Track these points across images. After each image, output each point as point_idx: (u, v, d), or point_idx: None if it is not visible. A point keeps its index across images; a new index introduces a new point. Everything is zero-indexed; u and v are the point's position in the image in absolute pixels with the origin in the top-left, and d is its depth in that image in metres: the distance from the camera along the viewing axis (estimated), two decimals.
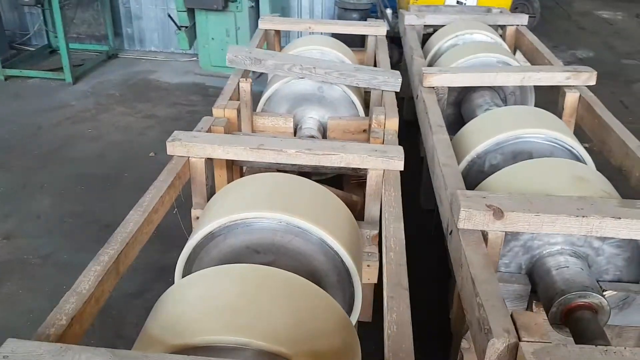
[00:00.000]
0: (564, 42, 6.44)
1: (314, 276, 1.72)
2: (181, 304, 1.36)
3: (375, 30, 3.68)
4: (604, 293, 1.76)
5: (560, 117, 2.75)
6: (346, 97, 2.91)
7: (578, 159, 2.29)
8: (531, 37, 3.74)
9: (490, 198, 1.70)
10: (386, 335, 1.28)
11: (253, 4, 4.96)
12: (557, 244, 1.85)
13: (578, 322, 1.63)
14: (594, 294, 1.67)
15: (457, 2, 5.41)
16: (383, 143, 2.22)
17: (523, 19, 3.97)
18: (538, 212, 1.65)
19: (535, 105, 2.98)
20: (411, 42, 3.61)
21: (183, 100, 4.72)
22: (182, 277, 1.77)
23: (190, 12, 5.04)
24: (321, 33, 3.86)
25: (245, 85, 2.80)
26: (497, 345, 1.28)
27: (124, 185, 3.45)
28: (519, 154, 2.29)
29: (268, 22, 3.73)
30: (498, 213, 1.65)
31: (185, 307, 1.34)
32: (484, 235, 1.68)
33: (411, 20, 3.97)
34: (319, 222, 1.70)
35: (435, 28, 4.00)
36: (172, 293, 1.44)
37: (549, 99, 3.13)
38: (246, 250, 1.74)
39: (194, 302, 1.35)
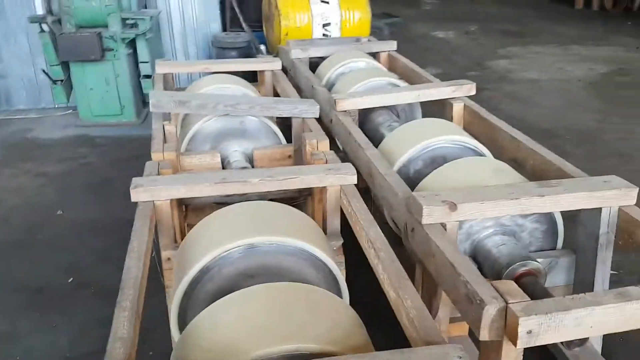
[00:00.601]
0: (415, 62, 7.17)
1: None
2: (222, 329, 1.47)
3: (271, 65, 3.93)
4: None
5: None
6: (267, 128, 3.11)
7: (481, 155, 2.71)
8: (404, 60, 4.23)
9: (442, 195, 2.01)
10: (408, 320, 1.51)
11: (130, 51, 4.97)
12: (490, 227, 2.21)
13: (527, 287, 1.97)
14: (532, 261, 2.03)
15: (324, 35, 5.86)
16: (326, 162, 2.44)
17: (393, 45, 4.46)
18: (482, 200, 1.99)
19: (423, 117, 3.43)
20: (305, 73, 3.91)
21: (71, 154, 4.57)
22: (179, 313, 1.85)
23: (65, 64, 4.91)
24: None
25: (171, 128, 2.90)
26: (491, 310, 1.55)
27: (41, 247, 3.31)
28: (436, 159, 2.65)
29: (165, 66, 3.81)
30: (452, 206, 1.96)
31: (227, 331, 1.45)
32: (443, 226, 1.97)
33: (297, 54, 4.27)
34: (304, 238, 1.88)
35: (315, 59, 4.33)
36: (202, 323, 1.53)
37: (431, 111, 3.61)
38: (241, 277, 1.87)
39: (235, 324, 1.47)
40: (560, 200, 2.03)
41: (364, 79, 3.58)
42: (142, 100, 5.35)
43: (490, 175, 2.28)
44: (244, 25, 5.78)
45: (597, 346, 2.17)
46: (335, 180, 2.20)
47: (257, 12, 6.38)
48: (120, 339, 1.41)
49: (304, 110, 2.98)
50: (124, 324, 1.46)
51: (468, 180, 2.24)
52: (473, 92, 3.25)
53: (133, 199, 2.11)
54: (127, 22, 4.77)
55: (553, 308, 1.52)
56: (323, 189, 2.24)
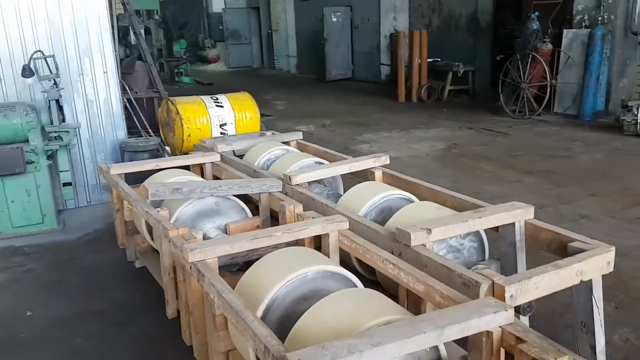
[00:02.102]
0: None
1: None
2: (329, 320, 2.08)
3: (212, 158, 4.59)
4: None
5: None
6: (236, 205, 3.75)
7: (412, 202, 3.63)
8: (312, 145, 5.15)
9: (419, 224, 2.84)
10: (442, 297, 2.27)
11: (51, 162, 5.23)
12: (444, 248, 3.08)
13: None
14: (482, 265, 2.93)
15: (221, 134, 6.61)
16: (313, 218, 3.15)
17: (299, 135, 5.37)
18: (446, 225, 2.86)
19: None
20: (241, 161, 4.61)
21: (8, 264, 4.61)
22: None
23: None
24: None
25: (165, 213, 3.41)
26: (484, 287, 2.37)
27: (29, 344, 3.45)
28: (386, 207, 3.52)
29: (118, 168, 4.27)
30: (429, 231, 2.80)
31: (335, 319, 2.07)
32: (423, 246, 2.80)
33: (224, 148, 4.96)
34: (335, 265, 2.58)
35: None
36: (308, 321, 2.13)
37: (353, 180, 4.52)
38: (298, 301, 2.49)
39: (337, 316, 2.10)
40: (491, 219, 2.98)
41: (296, 161, 4.39)
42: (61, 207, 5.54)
43: (438, 211, 3.18)
44: (150, 131, 6.32)
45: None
46: (335, 227, 2.94)
47: (148, 119, 6.98)
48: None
49: (271, 186, 3.68)
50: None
51: (424, 216, 3.11)
52: (387, 162, 4.23)
53: (190, 260, 2.62)
54: (51, 134, 5.08)
55: (521, 278, 2.39)
56: (325, 235, 2.95)
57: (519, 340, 1.89)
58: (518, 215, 3.05)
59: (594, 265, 2.58)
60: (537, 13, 9.98)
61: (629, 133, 8.24)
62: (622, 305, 3.60)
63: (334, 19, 16.96)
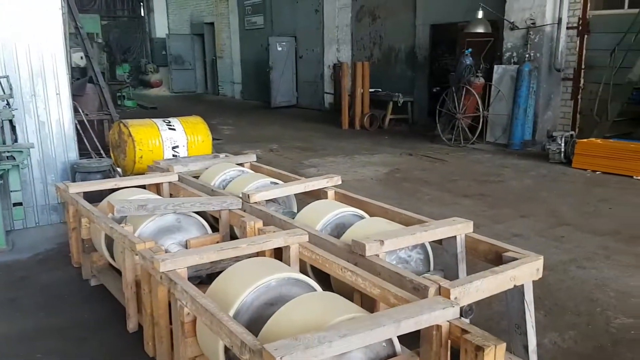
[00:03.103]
0: None
1: None
2: (299, 318, 2.32)
3: (170, 177, 4.74)
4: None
5: None
6: (197, 222, 3.93)
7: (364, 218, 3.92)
8: (266, 167, 5.39)
9: (373, 237, 3.12)
10: (396, 299, 2.55)
11: (1, 181, 5.22)
12: (394, 260, 3.38)
13: None
14: (429, 274, 3.24)
15: (173, 156, 6.74)
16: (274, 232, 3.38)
17: (253, 157, 5.60)
18: (396, 237, 3.16)
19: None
20: (199, 181, 4.78)
21: None
22: None
23: None
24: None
25: (129, 228, 3.56)
26: (432, 290, 2.66)
27: None
28: (340, 223, 3.79)
29: (77, 187, 4.36)
30: (382, 242, 3.09)
31: (304, 318, 2.31)
32: (377, 256, 3.08)
33: (180, 169, 5.11)
34: (298, 273, 2.81)
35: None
36: (279, 321, 2.35)
37: (305, 199, 4.79)
38: (265, 306, 2.70)
39: (305, 315, 2.33)
40: (436, 232, 3.31)
41: (252, 181, 4.61)
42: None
43: (388, 226, 3.48)
44: (102, 153, 6.38)
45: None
46: (296, 239, 3.18)
47: (98, 141, 7.03)
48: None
49: (231, 204, 3.89)
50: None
51: (376, 230, 3.40)
52: (339, 182, 4.52)
53: (162, 270, 2.79)
54: (3, 154, 5.09)
55: (464, 282, 2.70)
56: (286, 247, 3.18)
57: (464, 331, 2.18)
58: (459, 229, 3.39)
59: (526, 271, 2.93)
60: (470, 49, 10.68)
61: (554, 161, 8.91)
62: (550, 313, 3.99)
63: (279, 48, 17.39)
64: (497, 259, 3.23)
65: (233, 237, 3.87)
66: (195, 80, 24.46)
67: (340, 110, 13.43)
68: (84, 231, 4.30)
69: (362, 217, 3.90)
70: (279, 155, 9.75)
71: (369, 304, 3.02)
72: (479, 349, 2.05)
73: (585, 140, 8.62)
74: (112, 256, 4.10)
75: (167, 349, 3.14)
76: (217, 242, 3.86)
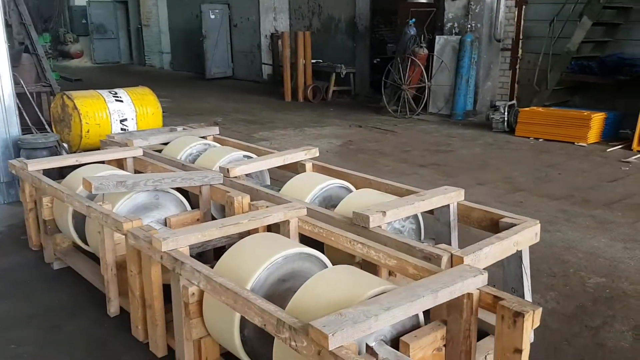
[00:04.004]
0: None
1: None
2: (328, 293, 2.23)
3: (134, 152, 4.46)
4: None
5: None
6: (175, 199, 3.73)
7: (351, 190, 3.86)
8: (232, 139, 5.20)
9: (374, 207, 3.07)
10: (416, 269, 2.52)
11: None
12: (390, 229, 3.34)
13: None
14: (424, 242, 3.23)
15: (122, 129, 6.38)
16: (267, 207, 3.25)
17: (216, 130, 5.39)
18: (397, 207, 3.12)
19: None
20: (163, 156, 4.54)
21: None
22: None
23: None
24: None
25: (108, 206, 3.32)
26: (445, 258, 2.66)
27: None
28: (327, 196, 3.71)
29: (37, 164, 4.02)
30: (384, 213, 3.04)
31: (333, 292, 2.22)
32: (379, 227, 3.03)
33: (140, 143, 4.83)
34: (308, 247, 2.72)
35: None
36: (305, 296, 2.26)
37: (282, 172, 4.67)
38: (278, 282, 2.59)
39: (333, 289, 2.25)
40: (432, 201, 3.29)
41: (224, 154, 4.43)
42: None
43: (382, 197, 3.43)
44: (46, 127, 5.92)
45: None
46: (295, 213, 3.07)
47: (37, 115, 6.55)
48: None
49: (212, 179, 3.71)
50: None
51: (370, 201, 3.34)
52: (317, 155, 4.42)
53: (164, 249, 2.62)
54: None
55: (474, 249, 2.71)
56: (285, 222, 3.07)
57: (497, 298, 2.18)
58: (452, 197, 3.39)
59: (527, 236, 2.98)
60: (414, 19, 10.74)
61: (497, 130, 9.19)
62: None
63: (212, 16, 16.80)
64: (492, 226, 3.27)
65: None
66: (119, 50, 23.32)
67: (281, 82, 13.22)
68: (45, 211, 3.97)
69: (348, 189, 3.84)
70: (226, 129, 9.43)
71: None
72: (518, 315, 2.05)
73: (527, 109, 8.93)
74: (80, 237, 3.83)
75: (162, 332, 2.98)
76: (198, 220, 3.70)
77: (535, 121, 8.66)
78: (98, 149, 5.38)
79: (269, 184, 4.55)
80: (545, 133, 8.51)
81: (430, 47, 10.80)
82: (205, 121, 10.04)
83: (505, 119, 9.10)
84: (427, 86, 10.57)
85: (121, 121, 6.34)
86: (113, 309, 3.43)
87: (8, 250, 4.50)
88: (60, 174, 4.79)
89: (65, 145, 5.94)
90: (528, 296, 3.14)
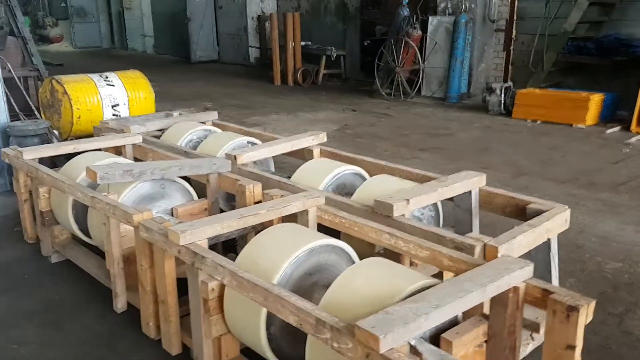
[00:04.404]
0: None
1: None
2: (363, 288, 2.09)
3: (132, 139, 4.25)
4: None
5: None
6: (181, 187, 3.55)
7: (364, 177, 3.70)
8: (232, 125, 5.01)
9: (397, 195, 2.92)
10: (452, 260, 2.38)
11: None
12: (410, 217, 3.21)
13: None
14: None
15: (114, 115, 6.14)
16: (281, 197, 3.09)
17: (215, 114, 5.18)
18: (420, 195, 2.97)
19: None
20: (164, 143, 4.34)
21: None
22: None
23: None
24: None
25: (114, 196, 3.13)
26: (478, 249, 2.52)
27: None
28: (341, 184, 3.55)
29: (32, 152, 3.80)
30: (407, 201, 2.90)
31: (369, 287, 2.08)
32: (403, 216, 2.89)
33: (138, 129, 4.61)
34: (334, 239, 2.57)
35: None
36: (339, 291, 2.11)
37: (287, 159, 4.50)
38: (304, 276, 2.44)
39: (370, 283, 2.10)
40: (456, 187, 3.16)
41: (227, 141, 4.24)
42: None
43: (402, 184, 3.29)
44: (36, 113, 5.66)
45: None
46: (313, 202, 2.91)
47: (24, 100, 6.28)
48: None
49: (220, 166, 3.53)
50: None
51: (389, 188, 3.19)
52: (325, 140, 4.26)
53: (181, 243, 2.45)
54: None
55: (508, 238, 2.58)
56: (303, 211, 2.91)
57: (547, 291, 2.05)
58: (475, 183, 3.26)
59: (557, 223, 2.86)
60: (407, 0, 10.54)
61: (494, 112, 9.07)
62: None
63: None
64: (518, 212, 3.15)
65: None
66: (100, 34, 22.74)
67: (269, 65, 12.96)
68: (42, 202, 3.77)
69: (361, 176, 3.69)
70: (218, 114, 9.22)
71: None
72: (572, 309, 1.93)
73: (524, 90, 8.82)
74: (81, 230, 3.64)
75: (176, 329, 2.82)
76: (205, 210, 3.53)
77: (532, 103, 8.56)
78: (90, 135, 5.18)
79: (273, 170, 4.38)
80: (543, 115, 8.41)
81: (423, 28, 10.62)
82: (195, 106, 9.77)
83: (502, 101, 8.98)
84: (421, 68, 10.40)
85: (113, 106, 6.10)
86: (120, 304, 3.25)
87: (2, 244, 4.28)
88: (52, 162, 4.57)
89: (55, 132, 5.70)
90: (556, 285, 3.02)
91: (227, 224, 2.61)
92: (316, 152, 4.16)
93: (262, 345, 2.36)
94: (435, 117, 9.08)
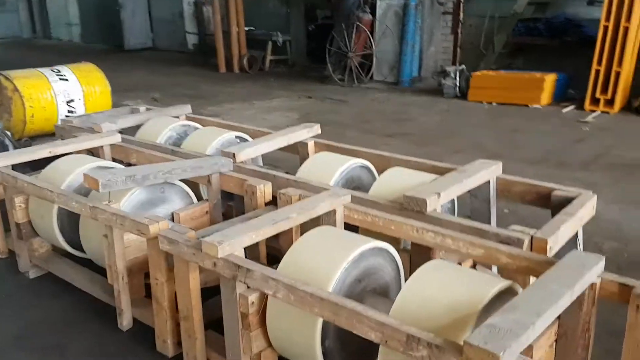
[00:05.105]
0: None
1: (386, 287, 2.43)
2: (438, 298, 1.94)
3: (110, 139, 3.90)
4: None
5: (306, 158, 3.94)
6: (180, 190, 3.28)
7: (371, 170, 3.56)
8: (210, 119, 4.73)
9: (428, 190, 2.79)
10: (510, 257, 2.28)
11: None
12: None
13: None
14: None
15: (69, 112, 5.68)
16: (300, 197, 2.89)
17: (187, 108, 4.87)
18: (447, 187, 2.86)
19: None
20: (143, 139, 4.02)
21: None
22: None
23: None
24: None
25: (116, 205, 2.84)
26: (527, 242, 2.42)
27: None
28: (350, 178, 3.40)
29: (5, 159, 3.41)
30: (439, 195, 2.78)
31: (444, 296, 1.94)
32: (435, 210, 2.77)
33: (109, 126, 4.24)
34: (380, 241, 2.41)
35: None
36: (410, 300, 1.96)
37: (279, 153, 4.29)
38: (354, 283, 2.28)
39: (443, 292, 1.96)
40: (478, 177, 3.07)
41: (214, 137, 3.98)
42: None
43: (417, 176, 3.16)
44: None
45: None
46: (340, 201, 2.74)
47: None
48: None
49: (222, 165, 3.28)
50: None
51: (409, 182, 3.06)
52: (319, 132, 4.07)
53: (220, 255, 2.22)
54: None
55: (552, 229, 2.50)
56: (331, 211, 2.73)
57: (625, 286, 1.99)
58: (493, 172, 3.19)
59: (589, 209, 2.83)
60: None
61: (449, 96, 9.15)
62: None
63: None
64: (539, 199, 3.11)
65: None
66: (20, 23, 21.28)
67: (209, 52, 12.51)
68: (18, 214, 3.38)
69: (368, 169, 3.54)
70: (168, 105, 8.78)
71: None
72: None
73: (479, 73, 8.93)
74: (68, 241, 3.30)
75: (201, 346, 2.59)
76: (207, 213, 3.29)
77: (488, 85, 8.68)
78: (48, 135, 4.76)
79: (262, 165, 4.15)
80: (498, 97, 8.55)
81: (373, 12, 10.54)
82: (142, 98, 9.35)
83: (457, 84, 9.06)
84: (374, 53, 10.33)
85: (68, 102, 5.64)
86: (126, 321, 2.97)
87: None
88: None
89: (8, 133, 5.19)
90: None
91: (262, 231, 2.40)
92: (310, 145, 3.97)
93: (317, 358, 2.18)
94: (392, 102, 9.04)
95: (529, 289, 1.88)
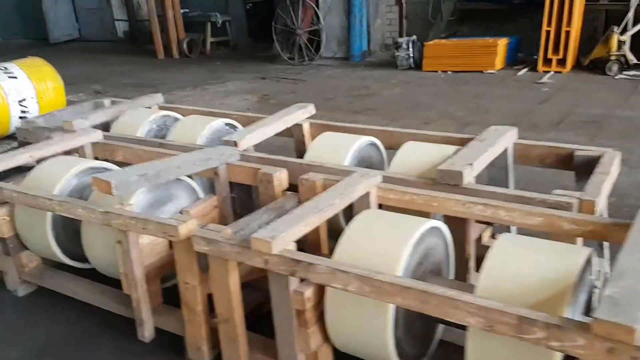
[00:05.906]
0: None
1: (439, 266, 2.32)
2: (521, 280, 1.84)
3: (91, 138, 3.56)
4: None
5: (303, 141, 3.77)
6: (185, 185, 3.04)
7: (379, 147, 3.43)
8: (185, 107, 4.45)
9: (459, 161, 2.69)
10: None
11: None
12: None
13: None
14: None
15: (22, 112, 5.22)
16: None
17: (159, 97, 4.54)
18: (476, 158, 2.77)
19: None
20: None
21: None
22: None
23: None
24: None
25: (132, 208, 2.58)
26: (576, 204, 2.37)
27: None
28: (361, 157, 3.25)
29: None
30: (471, 165, 2.68)
31: (525, 282, 1.83)
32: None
33: (82, 123, 3.87)
34: (434, 220, 2.30)
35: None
36: (497, 276, 1.86)
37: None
38: (417, 265, 2.16)
39: (522, 276, 1.86)
40: (500, 144, 2.99)
41: (203, 125, 3.72)
42: None
43: (436, 149, 3.05)
44: None
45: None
46: (373, 182, 2.59)
47: None
48: None
49: (229, 156, 3.05)
50: None
51: (432, 155, 2.95)
52: (314, 112, 3.90)
53: (273, 251, 2.03)
54: None
55: (596, 191, 2.46)
56: (365, 194, 2.58)
57: None
58: (511, 137, 3.13)
59: (617, 166, 2.82)
60: None
61: (403, 67, 9.12)
62: None
63: None
64: (560, 161, 3.08)
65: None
66: None
67: (141, 39, 11.95)
68: (3, 227, 3.03)
69: (377, 146, 3.41)
70: (115, 97, 8.28)
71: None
72: None
73: (431, 42, 8.93)
74: (65, 251, 3.00)
75: (245, 349, 2.40)
76: (216, 207, 3.07)
77: (441, 54, 8.70)
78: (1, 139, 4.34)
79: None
80: (453, 65, 8.60)
81: None
82: (85, 91, 8.83)
83: (411, 55, 9.03)
84: (321, 29, 10.13)
85: (20, 102, 5.16)
86: (148, 332, 2.72)
87: None
88: None
89: None
90: None
91: (310, 222, 2.22)
92: (305, 126, 3.79)
93: (390, 352, 2.05)
94: (348, 78, 8.92)
95: (624, 253, 1.81)
